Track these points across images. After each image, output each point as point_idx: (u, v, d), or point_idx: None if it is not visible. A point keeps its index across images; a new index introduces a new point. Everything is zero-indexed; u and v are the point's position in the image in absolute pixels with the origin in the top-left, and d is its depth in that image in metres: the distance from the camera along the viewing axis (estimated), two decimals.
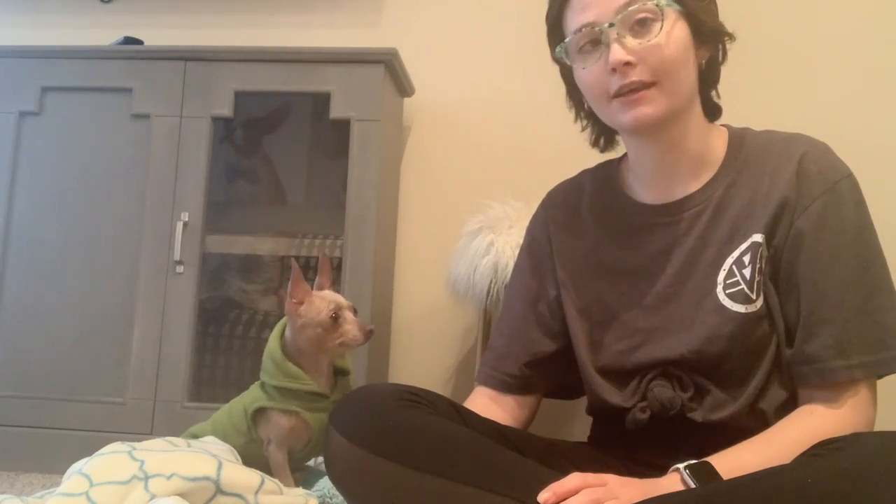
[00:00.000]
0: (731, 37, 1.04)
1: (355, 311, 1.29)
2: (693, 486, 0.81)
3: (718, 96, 1.08)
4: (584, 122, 1.15)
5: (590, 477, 0.81)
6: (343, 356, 1.34)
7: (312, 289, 1.30)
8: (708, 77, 1.05)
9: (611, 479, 0.81)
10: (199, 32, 2.08)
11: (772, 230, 0.97)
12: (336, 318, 1.24)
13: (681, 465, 0.84)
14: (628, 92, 0.96)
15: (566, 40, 1.01)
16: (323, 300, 1.27)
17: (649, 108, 0.96)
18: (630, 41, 0.95)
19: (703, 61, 1.02)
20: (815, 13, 1.89)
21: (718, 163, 1.03)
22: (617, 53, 0.94)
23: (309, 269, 1.88)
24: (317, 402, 1.20)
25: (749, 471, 0.78)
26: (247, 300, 1.99)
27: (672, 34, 0.96)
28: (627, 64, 0.94)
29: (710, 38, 1.01)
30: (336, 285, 1.41)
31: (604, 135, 1.15)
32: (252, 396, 1.28)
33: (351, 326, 1.25)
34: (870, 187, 0.99)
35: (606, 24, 0.95)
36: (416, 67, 1.91)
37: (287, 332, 1.29)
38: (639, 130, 1.00)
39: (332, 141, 2.01)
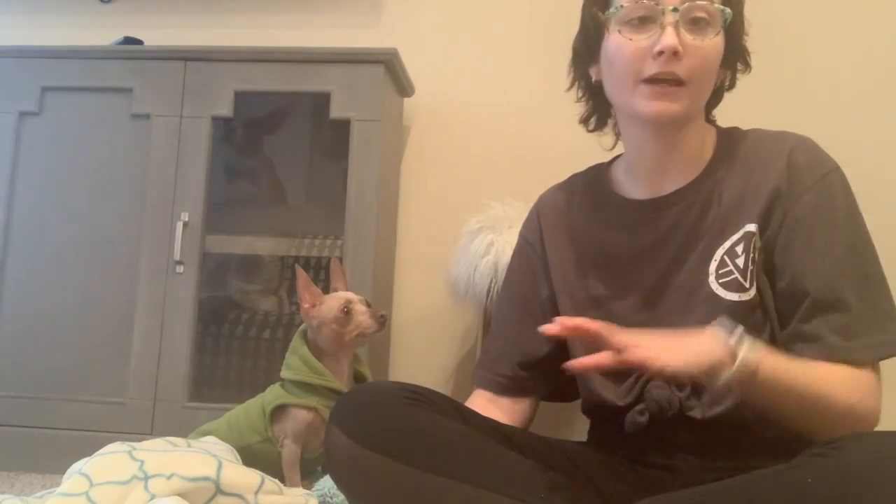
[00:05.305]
0: (748, 65, 1.06)
1: (368, 304, 1.34)
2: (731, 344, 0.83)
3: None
4: (581, 94, 1.13)
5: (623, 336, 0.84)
6: (362, 364, 1.39)
7: (329, 292, 1.35)
8: (714, 96, 1.07)
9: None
10: (199, 32, 2.08)
11: (765, 219, 0.98)
12: (347, 312, 1.29)
13: (733, 338, 0.84)
14: (662, 82, 0.96)
15: (622, 5, 0.97)
16: (334, 299, 1.32)
17: (675, 105, 0.97)
18: (684, 34, 0.95)
19: (720, 81, 1.05)
20: (813, 13, 1.90)
21: (707, 159, 1.05)
22: (672, 38, 0.94)
23: (309, 269, 1.88)
24: (335, 401, 1.23)
25: (788, 372, 0.85)
26: (247, 300, 1.99)
27: (715, 43, 0.97)
28: (675, 53, 0.94)
29: (734, 58, 1.04)
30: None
31: (597, 114, 1.13)
32: (272, 395, 1.31)
33: (363, 316, 1.30)
34: (863, 187, 1.00)
35: (671, 8, 0.95)
36: (416, 67, 1.91)
37: (308, 336, 1.33)
38: (656, 124, 1.00)
39: (332, 141, 2.01)
